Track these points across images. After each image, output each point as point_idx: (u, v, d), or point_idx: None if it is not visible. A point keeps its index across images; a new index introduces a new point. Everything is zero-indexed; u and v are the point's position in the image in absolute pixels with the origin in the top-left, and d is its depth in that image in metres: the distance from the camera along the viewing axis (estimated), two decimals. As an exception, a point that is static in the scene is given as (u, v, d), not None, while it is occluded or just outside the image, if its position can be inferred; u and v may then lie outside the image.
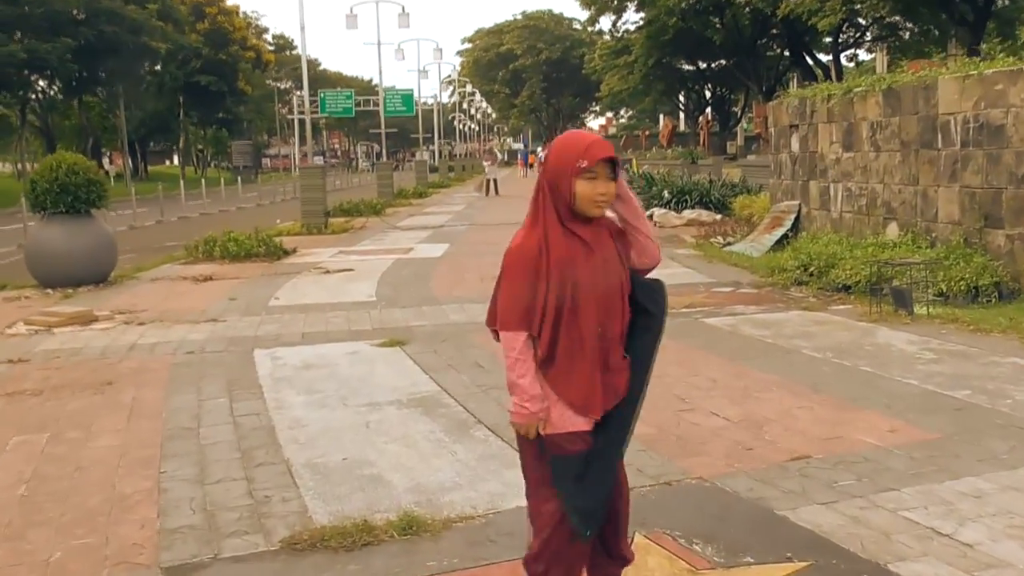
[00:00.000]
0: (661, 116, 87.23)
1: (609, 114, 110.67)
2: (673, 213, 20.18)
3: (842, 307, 9.51)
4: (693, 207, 20.51)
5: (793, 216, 13.90)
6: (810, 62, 48.82)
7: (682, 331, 8.64)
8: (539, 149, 74.85)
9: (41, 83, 59.76)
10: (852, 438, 5.29)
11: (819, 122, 13.01)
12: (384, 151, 43.88)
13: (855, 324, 8.61)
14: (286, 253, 16.63)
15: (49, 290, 12.89)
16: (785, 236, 13.82)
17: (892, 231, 11.19)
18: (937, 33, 41.84)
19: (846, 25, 44.02)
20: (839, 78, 43.26)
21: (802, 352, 7.55)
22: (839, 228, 12.44)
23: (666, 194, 21.12)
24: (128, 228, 28.03)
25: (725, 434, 5.45)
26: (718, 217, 19.63)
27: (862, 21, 47.26)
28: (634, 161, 39.96)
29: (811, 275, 10.74)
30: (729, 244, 14.97)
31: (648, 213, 20.63)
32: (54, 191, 13.06)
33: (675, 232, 18.45)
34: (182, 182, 37.25)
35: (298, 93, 65.37)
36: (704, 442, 5.33)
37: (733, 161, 38.06)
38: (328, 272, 14.07)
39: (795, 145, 13.95)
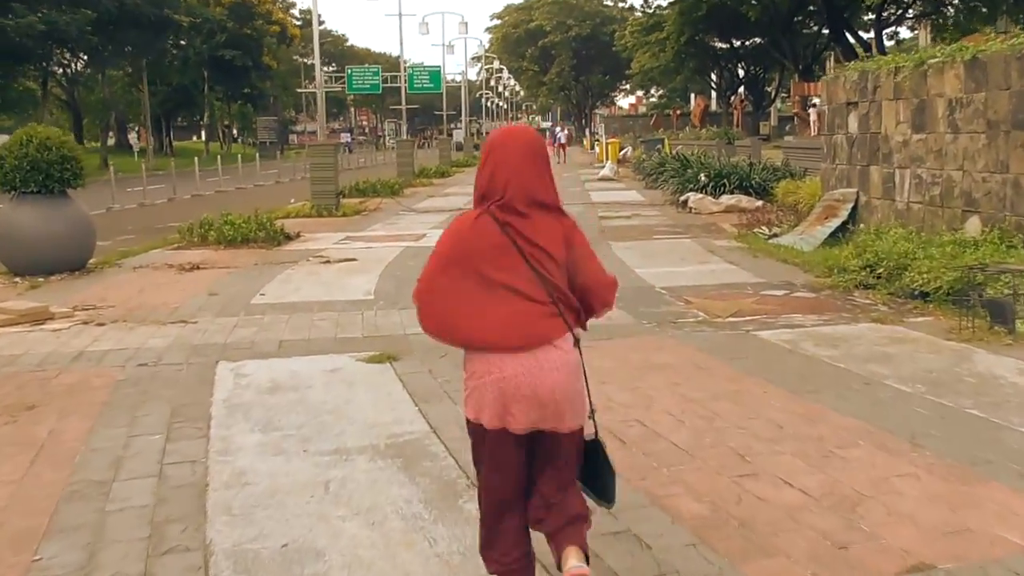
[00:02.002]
0: (692, 95, 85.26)
1: (639, 92, 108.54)
2: (710, 199, 18.60)
3: (921, 319, 7.98)
4: (732, 192, 18.92)
5: (850, 206, 12.34)
6: (851, 39, 46.77)
7: (731, 349, 7.16)
8: (558, 129, 73.03)
9: (65, 56, 58.79)
10: (986, 532, 3.81)
11: (883, 99, 11.42)
12: (406, 128, 42.41)
13: (943, 344, 7.09)
14: (287, 238, 15.26)
15: (18, 278, 11.59)
16: (841, 228, 12.27)
17: (973, 226, 9.63)
18: (985, 10, 39.87)
19: (888, 1, 42.09)
20: (881, 55, 41.31)
21: (885, 384, 6.05)
22: (905, 221, 10.88)
23: (703, 178, 19.54)
24: (137, 206, 26.83)
25: (805, 518, 3.98)
26: (759, 203, 18.03)
27: (905, -1, 45.30)
28: (666, 141, 38.28)
29: (878, 277, 9.21)
30: (775, 236, 13.43)
31: (684, 198, 19.11)
32: (24, 168, 11.73)
33: (713, 219, 16.90)
34: (196, 159, 35.96)
35: (325, 69, 64.09)
36: (777, 532, 3.88)
37: (767, 142, 36.35)
38: (328, 262, 12.67)
39: (853, 125, 12.37)
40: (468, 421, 3.16)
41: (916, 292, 8.55)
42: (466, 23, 53.75)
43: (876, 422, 5.22)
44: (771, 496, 4.21)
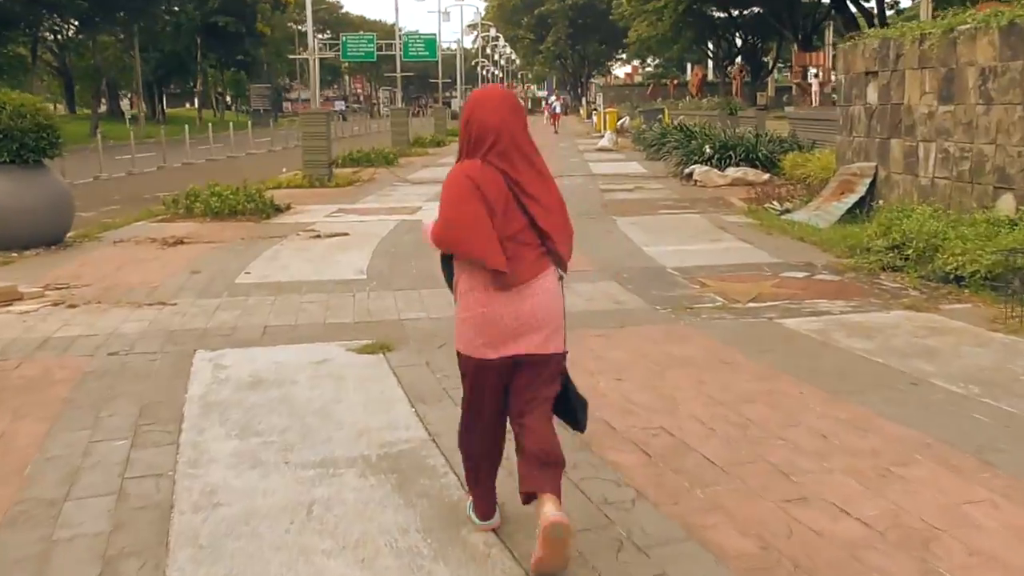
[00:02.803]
0: (689, 65, 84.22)
1: (635, 62, 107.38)
2: (716, 171, 17.94)
3: (958, 306, 7.37)
4: (737, 164, 18.27)
5: (868, 181, 11.71)
6: (853, 9, 45.87)
7: (755, 340, 6.55)
8: (552, 98, 71.99)
9: (55, 21, 57.68)
10: (1088, 579, 3.23)
11: (907, 68, 10.76)
12: (400, 96, 41.61)
13: (989, 336, 6.49)
14: (277, 210, 14.60)
15: (-10, 254, 10.93)
16: (858, 204, 11.65)
17: (1006, 204, 9.01)
18: (992, -21, 39.15)
19: (890, -31, 41.22)
20: (883, 25, 40.56)
21: (933, 383, 5.45)
22: (930, 197, 10.26)
23: (707, 149, 18.88)
24: (126, 174, 26.13)
25: (872, 559, 3.38)
26: (766, 176, 17.41)
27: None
28: (666, 111, 37.52)
29: (906, 259, 8.60)
30: (788, 211, 12.81)
31: (688, 171, 18.46)
32: (-4, 137, 11.04)
33: (719, 193, 16.26)
34: (186, 127, 35.14)
35: (320, 36, 63.01)
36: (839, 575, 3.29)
37: (765, 112, 35.62)
38: (319, 236, 12.02)
39: (872, 96, 11.72)
40: (458, 353, 3.56)
41: (950, 276, 7.94)
42: (463, -11, 52.74)
43: (933, 432, 4.63)
44: (827, 529, 3.61)
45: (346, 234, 12.15)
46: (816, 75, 43.45)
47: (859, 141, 12.19)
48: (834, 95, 42.07)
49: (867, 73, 11.80)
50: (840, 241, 10.15)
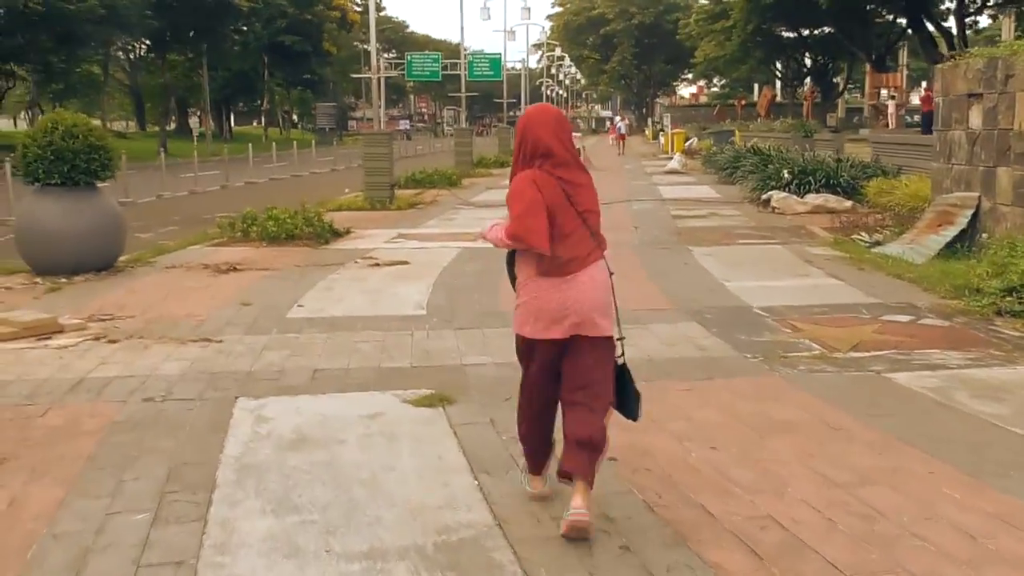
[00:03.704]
0: (756, 85, 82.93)
1: (701, 82, 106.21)
2: (795, 198, 17.06)
3: (1096, 362, 6.49)
4: (817, 191, 17.37)
5: (970, 212, 10.79)
6: (931, 28, 44.43)
7: (865, 399, 5.75)
8: (618, 118, 71.13)
9: (126, 41, 58.52)
10: None
11: (1018, 90, 9.86)
12: (465, 116, 41.23)
13: None
14: (336, 235, 14.07)
15: (39, 279, 10.52)
16: (959, 238, 10.74)
17: None
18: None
19: (970, -12, 39.88)
20: (964, 46, 39.19)
21: (1090, 463, 4.62)
22: (1043, 232, 9.34)
23: (786, 174, 18.00)
24: (188, 193, 25.96)
25: None
26: (848, 204, 16.50)
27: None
28: (737, 133, 36.56)
29: (1025, 303, 7.73)
30: (878, 244, 11.92)
31: (765, 196, 17.59)
32: (47, 158, 10.64)
33: (800, 221, 15.38)
34: (250, 146, 35.09)
35: (385, 56, 63.19)
36: None
37: (839, 134, 34.48)
38: (377, 265, 11.42)
39: (976, 120, 10.81)
40: (517, 336, 4.07)
41: (1080, 325, 7.06)
42: (528, 8, 52.33)
43: (1108, 535, 3.81)
44: None
45: (406, 263, 11.53)
46: (892, 97, 42.18)
47: (959, 169, 11.27)
48: (908, 117, 40.78)
49: (970, 95, 10.90)
50: (942, 279, 9.27)
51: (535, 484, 4.30)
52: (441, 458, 4.86)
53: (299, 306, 8.94)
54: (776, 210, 16.77)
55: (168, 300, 9.33)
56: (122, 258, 11.59)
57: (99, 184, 11.19)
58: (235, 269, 11.13)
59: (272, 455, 4.95)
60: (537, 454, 4.26)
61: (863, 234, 12.68)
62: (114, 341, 7.56)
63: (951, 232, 10.82)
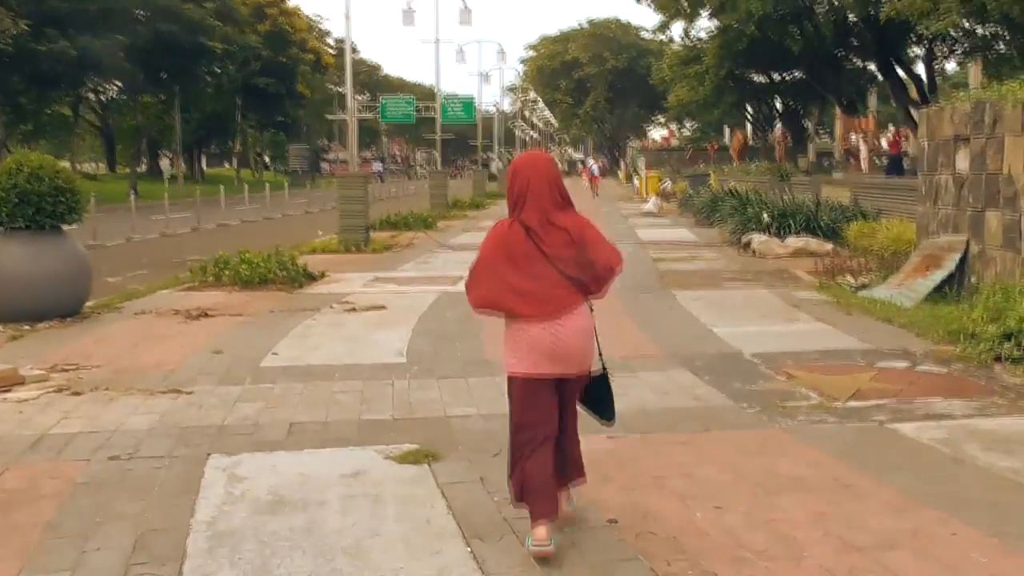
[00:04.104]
0: (727, 128, 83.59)
1: (673, 125, 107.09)
2: (776, 240, 16.92)
3: (1105, 412, 6.27)
4: (797, 233, 17.24)
5: (958, 256, 10.63)
6: (901, 73, 44.89)
7: (872, 453, 5.48)
8: (590, 160, 71.30)
9: (96, 82, 58.15)
10: None
11: (1007, 133, 9.74)
12: (440, 158, 41.09)
13: None
14: (311, 279, 13.72)
15: (1, 326, 10.09)
16: (947, 281, 10.57)
17: None
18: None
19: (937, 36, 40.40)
20: (932, 91, 39.59)
21: (1119, 524, 4.36)
22: (1035, 276, 9.17)
23: (765, 217, 17.88)
24: (159, 236, 25.52)
25: None
26: (829, 247, 16.36)
27: (954, 33, 43.43)
28: (712, 176, 36.63)
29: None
30: (864, 287, 11.74)
31: (745, 239, 17.43)
32: (11, 201, 10.26)
33: (781, 264, 15.21)
34: (222, 188, 34.72)
35: (359, 98, 63.13)
36: None
37: (816, 177, 34.58)
38: (354, 310, 11.09)
39: (963, 163, 10.70)
40: (511, 378, 4.17)
41: (1084, 372, 6.84)
42: (503, 51, 52.55)
43: None
44: None
45: (383, 307, 11.20)
46: (864, 140, 42.50)
47: (945, 212, 11.14)
48: (877, 160, 41.05)
49: (956, 139, 10.79)
50: (934, 324, 9.07)
51: (545, 540, 4.05)
52: (430, 522, 4.53)
53: (273, 354, 8.59)
54: (757, 253, 16.61)
55: (137, 348, 8.95)
56: (89, 304, 11.19)
57: (66, 227, 10.83)
58: (207, 315, 10.76)
59: (247, 520, 4.60)
60: (544, 498, 4.13)
61: (848, 277, 12.51)
62: (78, 393, 7.17)
63: (939, 275, 10.65)
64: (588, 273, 4.10)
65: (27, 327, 10.01)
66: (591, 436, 5.74)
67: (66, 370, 7.98)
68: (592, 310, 4.20)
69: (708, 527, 4.37)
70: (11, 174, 10.36)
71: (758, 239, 16.99)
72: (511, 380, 4.18)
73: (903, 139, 41.63)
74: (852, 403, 6.60)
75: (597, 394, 4.38)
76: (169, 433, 6.11)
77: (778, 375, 7.49)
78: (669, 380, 7.39)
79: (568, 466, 4.33)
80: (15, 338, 9.52)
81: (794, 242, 16.74)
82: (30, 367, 7.97)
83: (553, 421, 4.16)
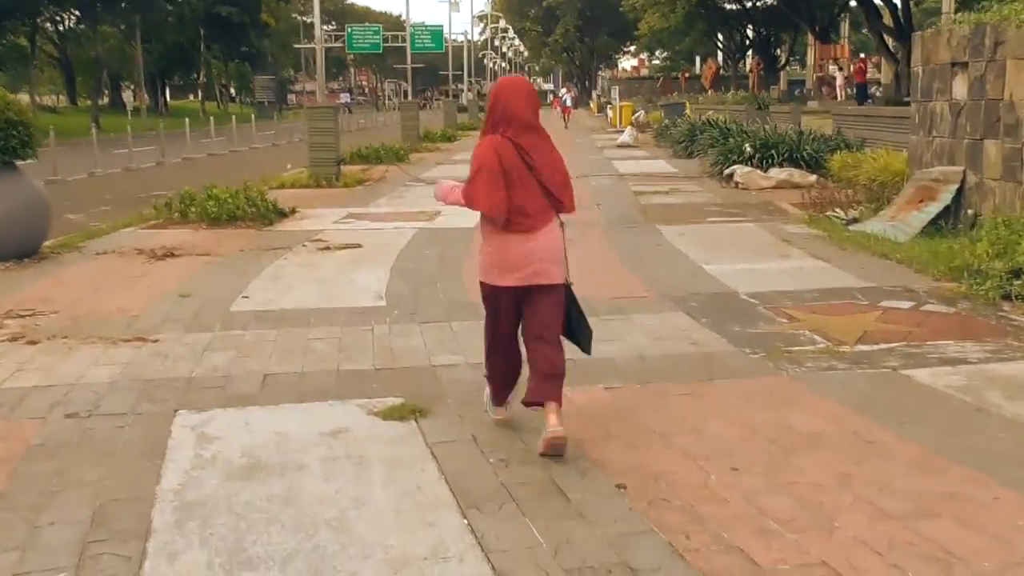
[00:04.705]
0: (697, 58, 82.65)
1: (643, 55, 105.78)
2: (759, 172, 16.49)
3: None
4: (781, 164, 16.82)
5: (954, 187, 10.26)
6: (877, 1, 44.16)
7: (890, 403, 5.13)
8: (563, 91, 70.37)
9: (53, 11, 56.27)
10: None
11: (1010, 57, 9.31)
12: (411, 89, 40.18)
13: None
14: (281, 215, 13.18)
15: (-48, 268, 9.53)
16: (942, 214, 10.22)
17: None
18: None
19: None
20: (907, 19, 39.06)
21: None
22: (1038, 209, 8.83)
23: (747, 148, 17.41)
24: (122, 171, 24.74)
25: None
26: (813, 178, 15.97)
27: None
28: (688, 105, 36.05)
29: (1033, 286, 7.18)
30: (855, 221, 11.38)
31: (728, 171, 17.00)
32: (-41, 135, 9.64)
33: (766, 197, 14.82)
34: (187, 120, 33.71)
35: (325, 28, 61.56)
36: None
37: (789, 105, 34.16)
38: (328, 249, 10.59)
39: (960, 90, 10.28)
40: (481, 283, 4.65)
41: (1100, 312, 6.52)
42: (473, -22, 51.19)
43: None
44: None
45: (359, 246, 10.71)
46: (840, 69, 41.92)
47: (941, 142, 10.75)
48: (850, 90, 40.60)
49: (953, 64, 10.36)
50: (934, 260, 8.72)
51: (499, 413, 4.90)
52: (420, 489, 4.13)
53: (244, 297, 8.11)
54: (740, 185, 16.20)
55: (98, 292, 8.44)
56: (47, 243, 10.63)
57: (20, 163, 10.22)
58: (172, 255, 10.24)
59: (219, 487, 4.19)
60: (503, 387, 4.84)
61: (838, 211, 12.14)
62: (34, 342, 6.69)
63: (934, 209, 10.29)
64: (564, 191, 4.54)
65: (-19, 269, 9.45)
66: (587, 387, 5.41)
67: (22, 316, 7.47)
68: (562, 225, 4.56)
69: (727, 494, 4.00)
70: (-42, 106, 9.72)
71: (741, 171, 16.56)
72: (482, 286, 4.64)
73: (870, 67, 41.22)
74: (860, 347, 6.24)
75: (570, 317, 4.66)
76: (132, 387, 5.66)
77: (778, 317, 7.12)
78: (664, 323, 7.00)
79: (538, 380, 4.50)
80: (-32, 281, 8.97)
81: (777, 174, 16.33)
82: (-18, 314, 7.46)
83: (514, 324, 4.63)
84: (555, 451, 4.35)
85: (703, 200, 14.84)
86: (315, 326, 7.06)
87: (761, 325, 6.90)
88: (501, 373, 4.80)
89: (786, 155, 17.06)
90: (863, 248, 9.84)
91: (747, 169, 16.60)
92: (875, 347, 6.23)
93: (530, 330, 4.54)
